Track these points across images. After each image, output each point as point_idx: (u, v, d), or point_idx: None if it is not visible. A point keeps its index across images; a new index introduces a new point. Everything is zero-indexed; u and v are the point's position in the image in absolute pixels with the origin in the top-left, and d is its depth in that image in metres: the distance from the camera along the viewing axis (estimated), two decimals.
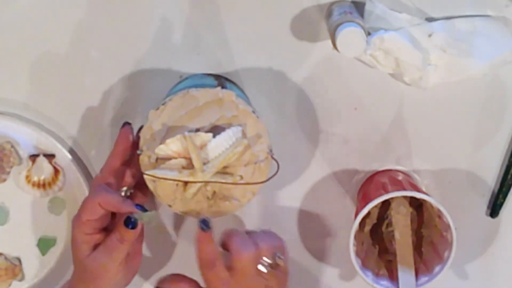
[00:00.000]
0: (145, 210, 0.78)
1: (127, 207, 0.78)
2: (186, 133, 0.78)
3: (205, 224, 0.77)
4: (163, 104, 0.80)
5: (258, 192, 0.82)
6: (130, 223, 0.77)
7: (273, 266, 0.77)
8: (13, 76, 0.89)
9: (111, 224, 0.82)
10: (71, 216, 0.92)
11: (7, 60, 0.89)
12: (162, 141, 0.79)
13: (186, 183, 0.80)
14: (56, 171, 0.91)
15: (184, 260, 0.95)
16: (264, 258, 0.77)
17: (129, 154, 0.82)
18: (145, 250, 0.95)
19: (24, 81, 0.89)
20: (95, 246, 0.79)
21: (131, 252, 0.81)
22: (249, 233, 0.80)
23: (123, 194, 0.82)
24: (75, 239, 0.80)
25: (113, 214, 0.82)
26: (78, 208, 0.90)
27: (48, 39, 0.88)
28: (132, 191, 0.83)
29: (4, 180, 0.91)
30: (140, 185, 0.84)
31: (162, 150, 0.79)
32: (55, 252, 0.94)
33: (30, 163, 0.90)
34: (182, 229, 0.95)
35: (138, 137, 0.81)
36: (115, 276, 0.79)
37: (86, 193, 0.90)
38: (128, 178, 0.82)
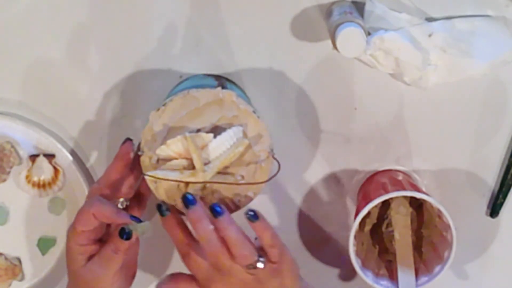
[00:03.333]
0: (139, 221, 0.78)
1: (122, 218, 0.78)
2: (187, 134, 0.78)
3: (160, 209, 0.78)
4: (163, 105, 0.80)
5: (259, 192, 0.82)
6: (125, 234, 0.77)
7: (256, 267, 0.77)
8: (14, 76, 0.89)
9: (106, 235, 0.81)
10: (71, 216, 0.92)
11: (7, 59, 0.89)
12: (163, 142, 0.79)
13: (187, 183, 0.80)
14: (56, 171, 0.90)
15: None
16: (241, 264, 0.76)
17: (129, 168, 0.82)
18: (146, 252, 0.95)
19: (25, 81, 0.89)
20: (90, 257, 0.79)
21: (126, 263, 0.81)
22: (222, 230, 0.77)
23: (119, 205, 0.82)
24: (69, 250, 0.80)
25: (108, 225, 0.82)
26: (78, 208, 0.90)
27: (48, 39, 0.88)
28: (128, 203, 0.83)
29: (4, 180, 0.91)
30: (138, 196, 0.84)
31: (163, 151, 0.79)
32: (55, 252, 0.94)
33: (30, 163, 0.90)
34: None
35: (138, 149, 0.81)
36: (110, 287, 0.79)
37: (86, 193, 0.90)
38: (125, 189, 0.82)
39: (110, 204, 0.79)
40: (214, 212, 0.76)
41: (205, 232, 0.76)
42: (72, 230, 0.79)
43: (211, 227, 0.76)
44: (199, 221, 0.76)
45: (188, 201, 0.77)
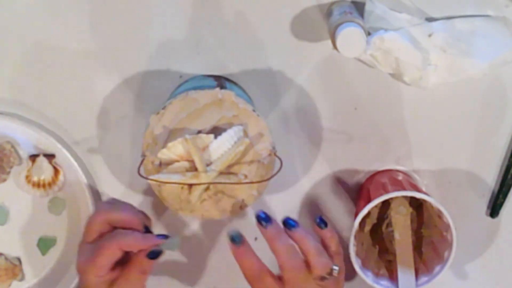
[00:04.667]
0: (167, 237, 0.76)
1: (151, 242, 0.76)
2: (187, 136, 0.78)
3: (235, 239, 0.76)
4: (163, 108, 0.80)
5: (263, 190, 0.82)
6: (155, 255, 0.75)
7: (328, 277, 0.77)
8: (13, 76, 0.89)
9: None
10: (71, 216, 0.92)
11: (7, 59, 0.89)
12: (164, 145, 0.79)
13: (190, 185, 0.80)
14: (56, 171, 0.90)
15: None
16: (319, 274, 0.76)
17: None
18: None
19: (25, 81, 0.89)
20: (112, 283, 0.77)
21: None
22: (301, 240, 0.77)
23: None
24: (88, 282, 0.76)
25: None
26: (78, 208, 0.90)
27: (48, 39, 0.88)
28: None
29: (4, 180, 0.91)
30: None
31: (165, 154, 0.79)
32: (55, 252, 0.94)
33: (30, 163, 0.90)
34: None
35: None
36: None
37: (86, 193, 0.90)
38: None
39: (133, 233, 0.77)
40: (288, 225, 0.77)
41: (286, 247, 0.75)
42: (91, 264, 0.76)
43: (291, 241, 0.76)
44: (278, 237, 0.76)
45: (263, 219, 0.76)
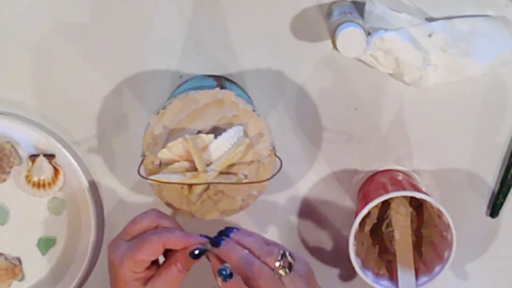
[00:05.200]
0: (208, 238, 0.76)
1: (194, 240, 0.75)
2: (187, 136, 0.78)
3: (225, 274, 0.72)
4: (163, 108, 0.80)
5: (263, 190, 0.82)
6: (199, 254, 0.75)
7: (289, 266, 0.73)
8: (14, 75, 0.89)
9: None
10: (71, 216, 0.92)
11: (7, 59, 0.89)
12: (164, 145, 0.79)
13: (190, 185, 0.80)
14: (56, 171, 0.90)
15: None
16: (276, 264, 0.72)
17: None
18: None
19: (25, 80, 0.89)
20: (146, 281, 0.76)
21: None
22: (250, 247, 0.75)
23: None
24: (123, 278, 0.75)
25: None
26: (78, 208, 0.90)
27: (48, 39, 0.88)
28: None
29: (4, 180, 0.91)
30: None
31: (165, 154, 0.79)
32: (55, 252, 0.94)
33: (30, 163, 0.90)
34: None
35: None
36: None
37: (86, 193, 0.90)
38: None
39: (177, 230, 0.77)
40: (225, 234, 0.76)
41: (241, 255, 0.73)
42: (130, 259, 0.75)
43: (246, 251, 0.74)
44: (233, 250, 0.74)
45: (225, 275, 0.72)
